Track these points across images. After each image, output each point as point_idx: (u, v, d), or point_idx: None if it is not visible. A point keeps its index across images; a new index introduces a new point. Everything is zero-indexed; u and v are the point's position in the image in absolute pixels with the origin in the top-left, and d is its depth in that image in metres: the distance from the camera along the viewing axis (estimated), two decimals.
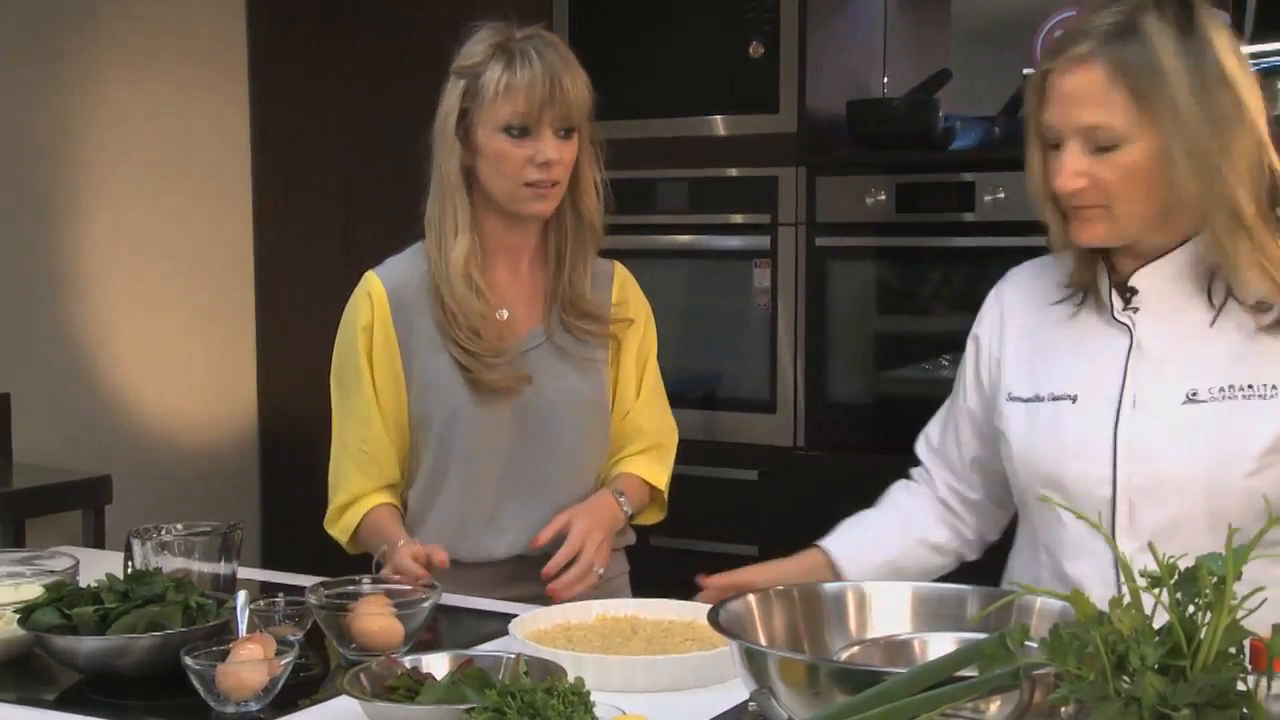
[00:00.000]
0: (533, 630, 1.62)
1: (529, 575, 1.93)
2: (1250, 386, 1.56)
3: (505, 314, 1.96)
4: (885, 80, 3.55)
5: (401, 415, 1.96)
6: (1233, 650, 0.95)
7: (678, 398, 3.53)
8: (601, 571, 1.90)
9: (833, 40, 3.33)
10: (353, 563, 1.96)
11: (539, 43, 1.89)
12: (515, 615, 1.65)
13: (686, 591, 1.72)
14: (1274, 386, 1.56)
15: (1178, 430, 1.57)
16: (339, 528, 1.98)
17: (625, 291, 2.06)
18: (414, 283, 1.95)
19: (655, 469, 2.05)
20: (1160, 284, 1.61)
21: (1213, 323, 1.60)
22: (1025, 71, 3.23)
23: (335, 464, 1.99)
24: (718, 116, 3.32)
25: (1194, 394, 1.57)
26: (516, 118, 1.86)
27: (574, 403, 1.98)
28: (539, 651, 1.46)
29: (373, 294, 1.94)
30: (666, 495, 2.07)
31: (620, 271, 2.07)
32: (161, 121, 3.79)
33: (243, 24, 3.99)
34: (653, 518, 2.10)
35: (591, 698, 1.27)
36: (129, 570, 1.70)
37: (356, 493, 1.96)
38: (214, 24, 3.92)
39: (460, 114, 1.90)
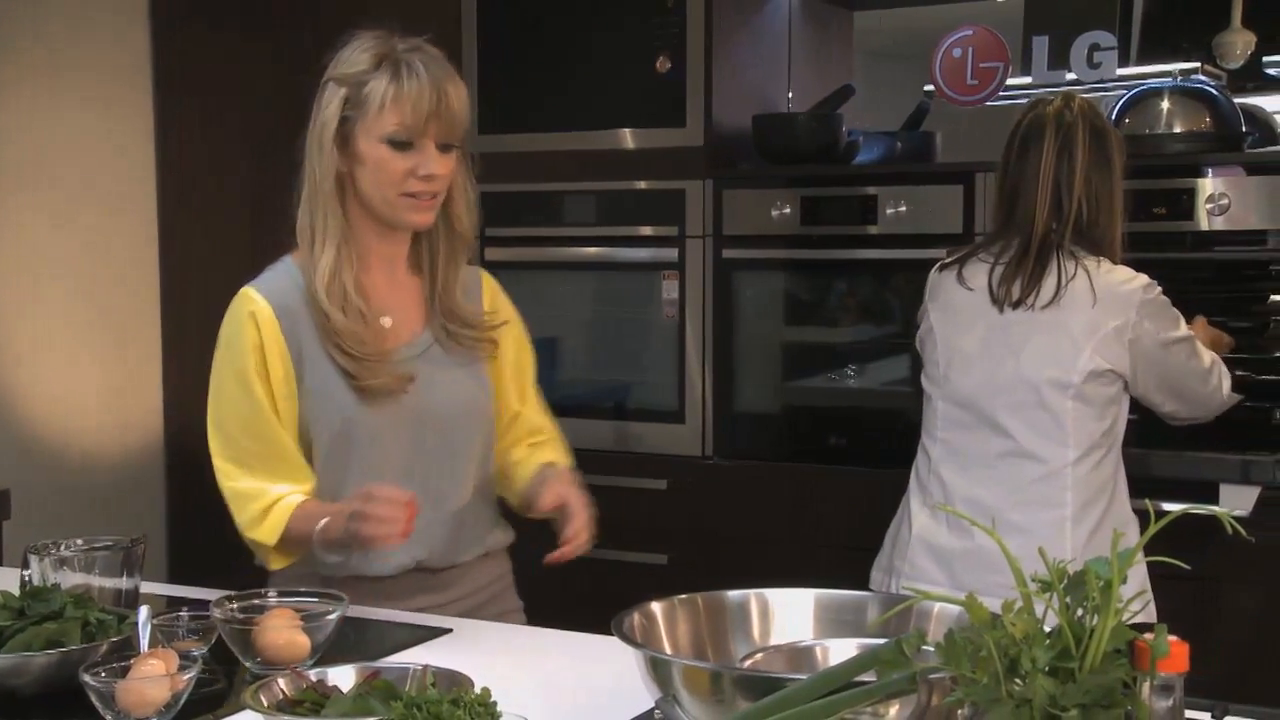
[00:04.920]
0: None
1: (425, 587, 1.94)
2: None
3: (388, 321, 1.94)
4: (790, 96, 3.59)
5: (298, 429, 1.90)
6: (1118, 651, 0.99)
7: (587, 408, 3.60)
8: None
9: (738, 56, 3.37)
10: (262, 573, 1.94)
11: (424, 55, 1.86)
12: (423, 626, 1.63)
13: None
14: None
15: None
16: (265, 528, 1.85)
17: (496, 300, 2.07)
18: (293, 294, 1.90)
19: (564, 456, 2.07)
20: None
21: None
22: (926, 88, 3.30)
23: (243, 481, 1.89)
24: (625, 130, 3.34)
25: None
26: (401, 130, 1.84)
27: (466, 407, 1.97)
28: None
29: (257, 313, 1.87)
30: None
31: (488, 280, 2.08)
32: (64, 133, 3.71)
33: (146, 38, 3.93)
34: None
35: (499, 708, 1.27)
36: (26, 587, 1.67)
37: (277, 495, 1.87)
38: (117, 38, 3.85)
39: (340, 121, 1.86)
